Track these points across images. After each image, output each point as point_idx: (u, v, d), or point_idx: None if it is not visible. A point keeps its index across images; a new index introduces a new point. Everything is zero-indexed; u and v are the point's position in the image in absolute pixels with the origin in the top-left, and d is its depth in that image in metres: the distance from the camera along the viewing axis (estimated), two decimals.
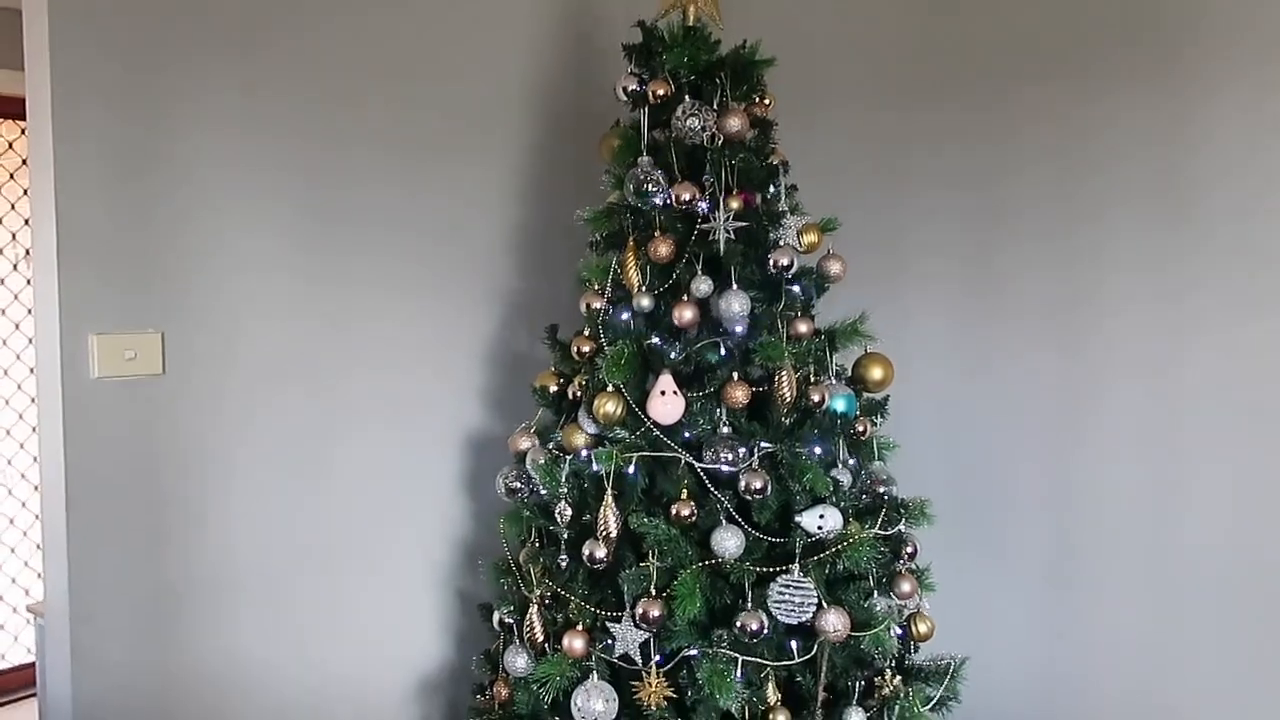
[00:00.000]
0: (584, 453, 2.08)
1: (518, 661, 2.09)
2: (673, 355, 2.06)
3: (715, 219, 2.05)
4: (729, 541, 1.91)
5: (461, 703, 2.64)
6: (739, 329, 2.06)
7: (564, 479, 2.08)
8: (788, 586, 1.88)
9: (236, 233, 2.20)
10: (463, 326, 2.67)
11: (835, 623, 1.88)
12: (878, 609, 2.03)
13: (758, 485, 1.92)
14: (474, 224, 2.67)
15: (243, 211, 2.21)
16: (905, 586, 2.07)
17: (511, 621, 2.16)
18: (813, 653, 1.92)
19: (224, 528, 2.21)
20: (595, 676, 1.94)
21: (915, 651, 2.20)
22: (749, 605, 1.88)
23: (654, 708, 1.90)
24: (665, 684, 1.91)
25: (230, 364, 2.20)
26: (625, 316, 2.11)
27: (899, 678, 2.02)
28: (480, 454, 2.73)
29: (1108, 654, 2.48)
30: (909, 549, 2.13)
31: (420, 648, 2.65)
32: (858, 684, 1.96)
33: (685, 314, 2.03)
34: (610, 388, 2.01)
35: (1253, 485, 2.25)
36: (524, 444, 2.24)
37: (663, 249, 2.05)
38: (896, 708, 1.97)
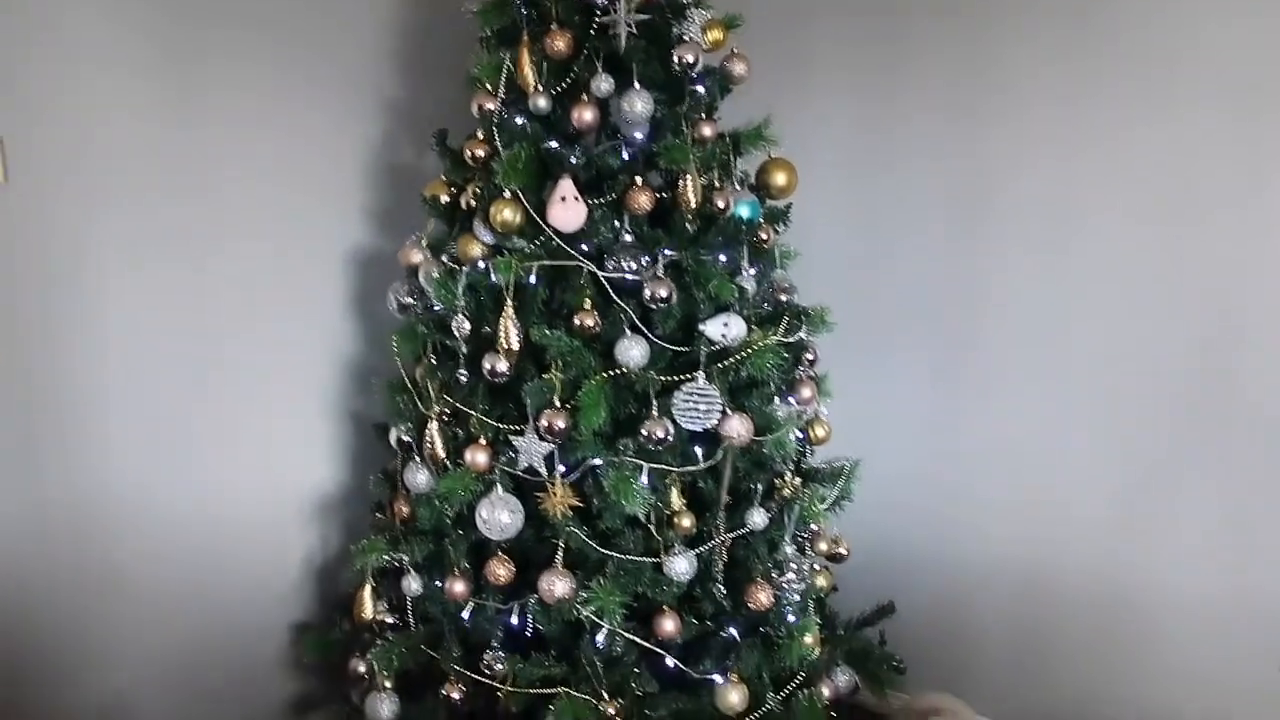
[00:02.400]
0: (481, 264, 1.99)
1: (419, 478, 2.05)
2: (572, 160, 1.95)
3: (616, 11, 1.92)
4: (633, 351, 1.88)
5: (359, 523, 2.61)
6: (641, 132, 1.97)
7: (460, 292, 1.99)
8: (692, 394, 1.87)
9: (84, 30, 1.95)
10: (343, 137, 2.49)
11: (738, 428, 1.89)
12: (779, 414, 2.05)
13: (663, 294, 1.87)
14: (350, 23, 2.45)
15: (91, 5, 1.96)
16: (805, 392, 2.09)
17: (410, 439, 2.11)
18: (716, 458, 1.94)
19: (90, 351, 2.06)
20: (500, 489, 1.92)
21: (812, 455, 2.26)
22: (654, 414, 1.87)
23: (560, 517, 1.89)
24: (571, 493, 1.90)
25: (80, 171, 2.00)
26: (521, 119, 1.99)
27: (798, 480, 2.06)
28: (368, 272, 2.60)
29: (994, 452, 2.60)
30: (809, 356, 2.14)
31: (313, 470, 2.58)
32: (759, 487, 1.99)
33: (585, 115, 1.92)
34: (507, 194, 1.91)
35: (1140, 287, 2.33)
36: (415, 257, 2.13)
37: (560, 44, 1.91)
38: (795, 508, 2.02)
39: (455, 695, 2.00)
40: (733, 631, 2.02)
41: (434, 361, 2.10)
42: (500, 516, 1.91)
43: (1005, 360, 2.54)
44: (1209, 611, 2.37)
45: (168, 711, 2.30)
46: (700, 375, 1.88)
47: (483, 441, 1.94)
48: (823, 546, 2.14)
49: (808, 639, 1.99)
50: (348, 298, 2.58)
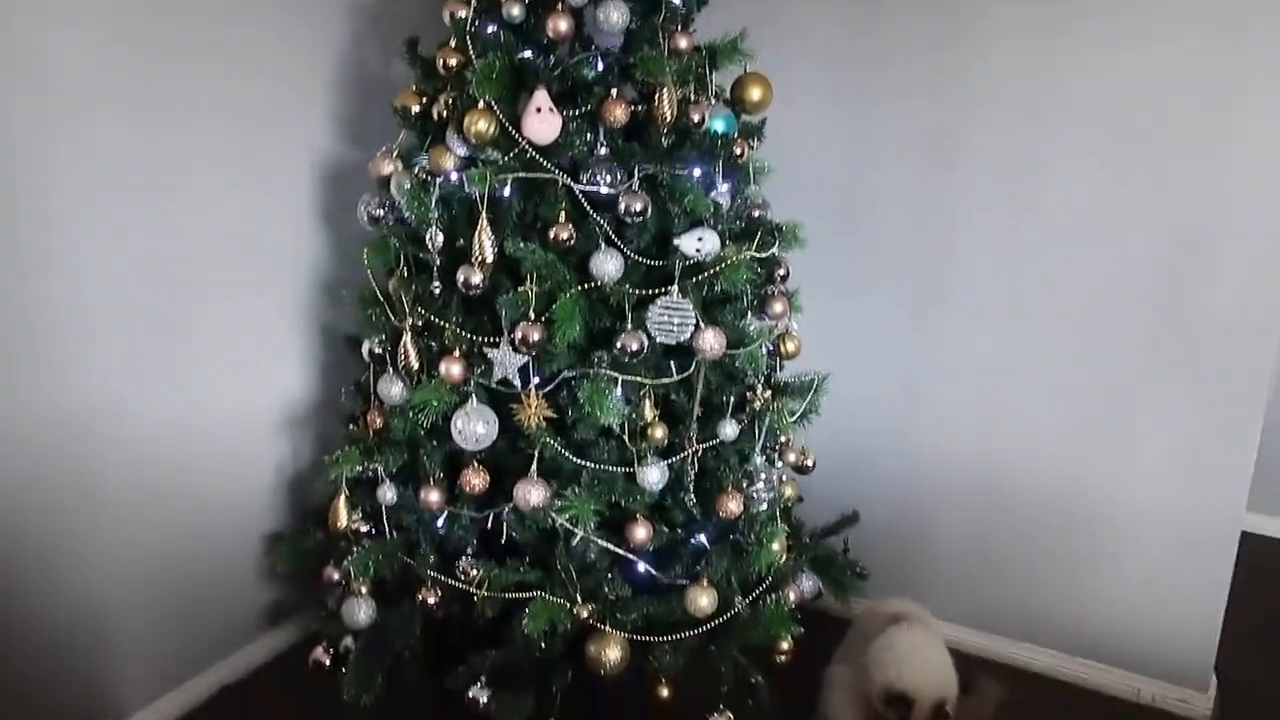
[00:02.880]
0: (454, 175, 1.98)
1: (393, 390, 2.06)
2: (547, 70, 1.93)
3: None
4: (608, 265, 1.89)
5: (330, 435, 2.63)
6: (616, 43, 1.95)
7: (434, 204, 1.98)
8: (667, 308, 1.89)
9: None
10: (312, 46, 2.43)
11: (712, 342, 1.92)
12: (751, 329, 2.08)
13: (638, 207, 1.88)
14: None
15: None
16: (777, 307, 2.12)
17: (383, 351, 2.11)
18: (689, 371, 1.97)
19: (63, 268, 2.02)
20: (474, 401, 1.95)
21: (782, 369, 2.30)
22: (629, 327, 1.89)
23: (535, 428, 1.92)
24: (545, 405, 1.93)
25: (46, 91, 1.94)
26: (494, 28, 1.96)
27: (768, 393, 2.10)
28: (336, 184, 2.57)
29: (960, 372, 2.66)
30: (781, 271, 2.16)
31: (285, 383, 2.58)
32: (730, 399, 2.03)
33: (560, 25, 1.90)
34: (481, 104, 1.89)
35: (1108, 215, 2.37)
36: (387, 169, 2.11)
37: None
38: (765, 420, 2.07)
39: (431, 600, 2.05)
40: (703, 539, 2.08)
41: (406, 274, 2.10)
42: (475, 427, 1.93)
43: (975, 284, 2.59)
44: (1164, 524, 2.48)
45: (144, 619, 2.33)
46: (674, 289, 1.90)
47: (457, 354, 1.95)
48: (791, 458, 2.20)
49: (775, 546, 2.05)
50: (317, 210, 2.55)
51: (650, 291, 1.91)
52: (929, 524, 2.80)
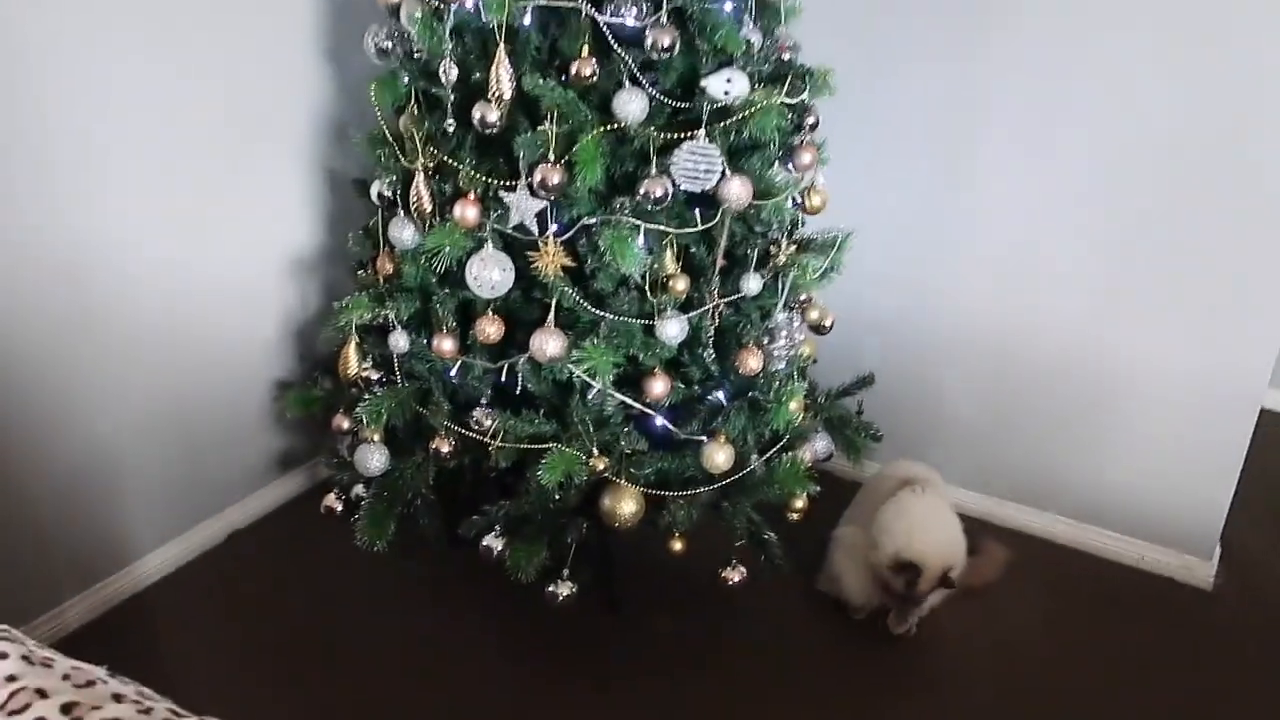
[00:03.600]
0: (470, 2, 1.85)
1: (404, 234, 1.98)
2: None
3: None
4: (632, 105, 1.78)
5: (339, 282, 2.57)
6: None
7: (447, 34, 1.86)
8: (693, 153, 1.80)
9: None
10: None
11: (738, 191, 1.83)
12: (778, 180, 1.99)
13: (666, 42, 1.76)
14: None
15: None
16: (805, 158, 2.02)
17: (393, 194, 2.02)
18: (713, 222, 1.89)
19: (72, 103, 1.91)
20: (490, 246, 1.87)
21: (804, 224, 2.21)
22: (653, 172, 1.80)
23: (552, 276, 1.86)
24: (564, 253, 1.86)
25: None
26: None
27: (792, 248, 2.03)
28: (341, 15, 2.43)
29: (981, 238, 2.58)
30: (811, 120, 2.06)
31: (291, 229, 2.50)
32: (753, 253, 1.96)
33: None
34: None
35: (1133, 79, 2.26)
36: None
37: None
38: (789, 275, 2.00)
39: (444, 449, 2.02)
40: (720, 396, 2.05)
41: (417, 112, 1.99)
42: (490, 274, 1.86)
43: (1003, 147, 2.48)
44: (1182, 394, 2.45)
45: (154, 463, 2.31)
46: (701, 134, 1.80)
47: (472, 197, 1.87)
48: (813, 316, 2.14)
49: (793, 405, 2.02)
50: (320, 45, 2.42)
51: (676, 136, 1.81)
52: (943, 389, 2.77)
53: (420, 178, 1.92)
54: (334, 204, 2.55)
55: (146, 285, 2.17)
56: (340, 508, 2.16)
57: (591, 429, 1.92)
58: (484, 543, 1.98)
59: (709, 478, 2.00)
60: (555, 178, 1.78)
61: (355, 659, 2.19)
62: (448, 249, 1.88)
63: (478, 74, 1.86)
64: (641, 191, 1.79)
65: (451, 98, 1.90)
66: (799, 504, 2.08)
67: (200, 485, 2.45)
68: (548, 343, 1.85)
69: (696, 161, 1.80)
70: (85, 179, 1.99)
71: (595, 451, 1.91)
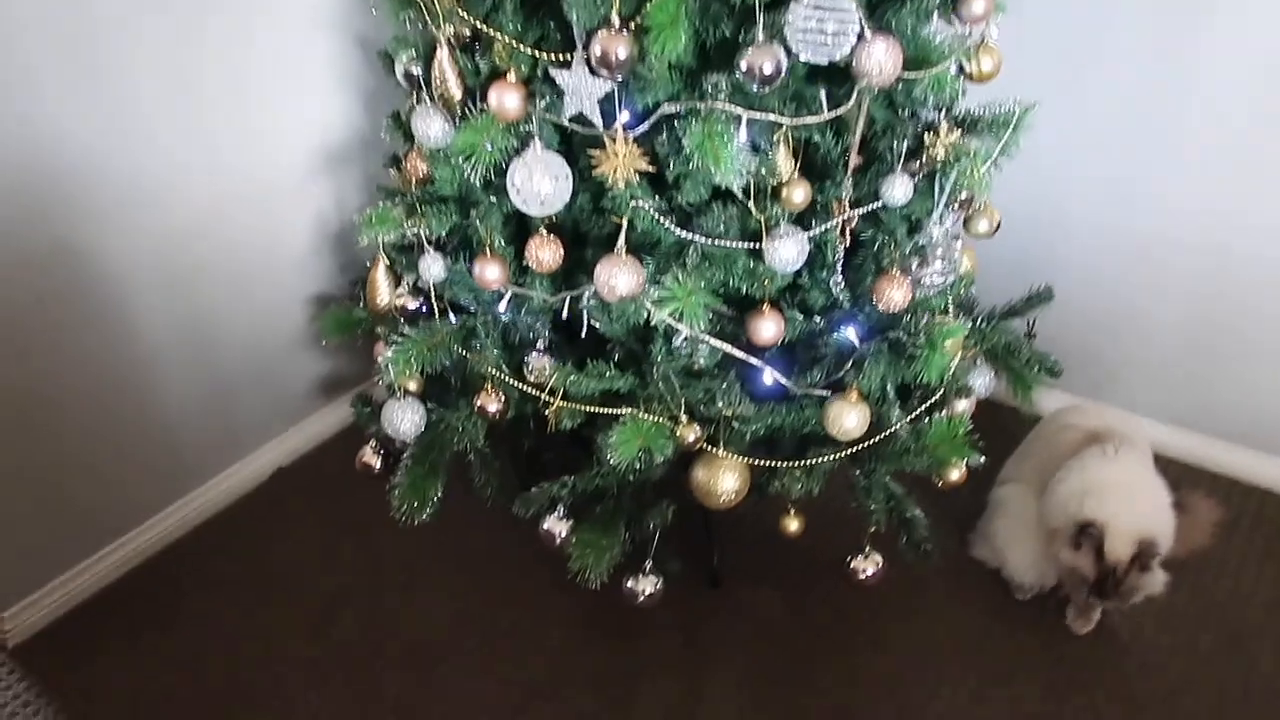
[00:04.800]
0: None
1: (431, 127, 1.50)
2: None
3: None
4: None
5: (378, 177, 2.13)
6: None
7: None
8: (817, 7, 1.25)
9: None
10: None
11: (881, 59, 1.27)
12: (938, 39, 1.42)
13: None
14: None
15: None
16: (977, 5, 1.43)
17: (418, 73, 1.54)
18: (847, 105, 1.35)
19: None
20: (538, 146, 1.38)
21: (964, 96, 1.64)
22: (759, 38, 1.26)
23: (622, 185, 1.36)
24: (637, 153, 1.35)
25: None
26: None
27: (956, 133, 1.47)
28: None
29: (1198, 132, 1.96)
30: None
31: (321, 111, 2.06)
32: (902, 145, 1.42)
33: None
34: None
35: None
36: None
37: None
38: (951, 174, 1.45)
39: (491, 407, 1.59)
40: (851, 336, 1.55)
41: None
42: (539, 184, 1.38)
43: (1234, 27, 1.83)
44: None
45: (188, 397, 2.00)
46: None
47: (512, 78, 1.37)
48: (980, 225, 1.59)
49: (949, 347, 1.50)
50: None
51: None
52: (1136, 309, 2.20)
53: (444, 51, 1.42)
54: (368, 82, 2.08)
55: (169, 183, 1.79)
56: (379, 464, 1.78)
57: (677, 387, 1.46)
58: (545, 525, 1.58)
59: (834, 442, 1.53)
60: (620, 49, 1.26)
61: (409, 618, 1.87)
62: (485, 149, 1.39)
63: None
64: (744, 67, 1.25)
65: None
66: (955, 475, 1.59)
67: (239, 418, 2.13)
68: (617, 276, 1.38)
69: (821, 19, 1.25)
70: (76, 64, 1.59)
71: (683, 417, 1.46)
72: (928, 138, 1.46)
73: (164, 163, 1.80)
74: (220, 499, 2.14)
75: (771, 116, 1.32)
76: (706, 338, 1.43)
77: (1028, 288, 1.92)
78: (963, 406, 1.66)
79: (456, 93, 1.43)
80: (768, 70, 1.25)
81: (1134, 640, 1.86)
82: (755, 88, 1.27)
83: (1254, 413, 2.14)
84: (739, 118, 1.30)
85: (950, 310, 1.56)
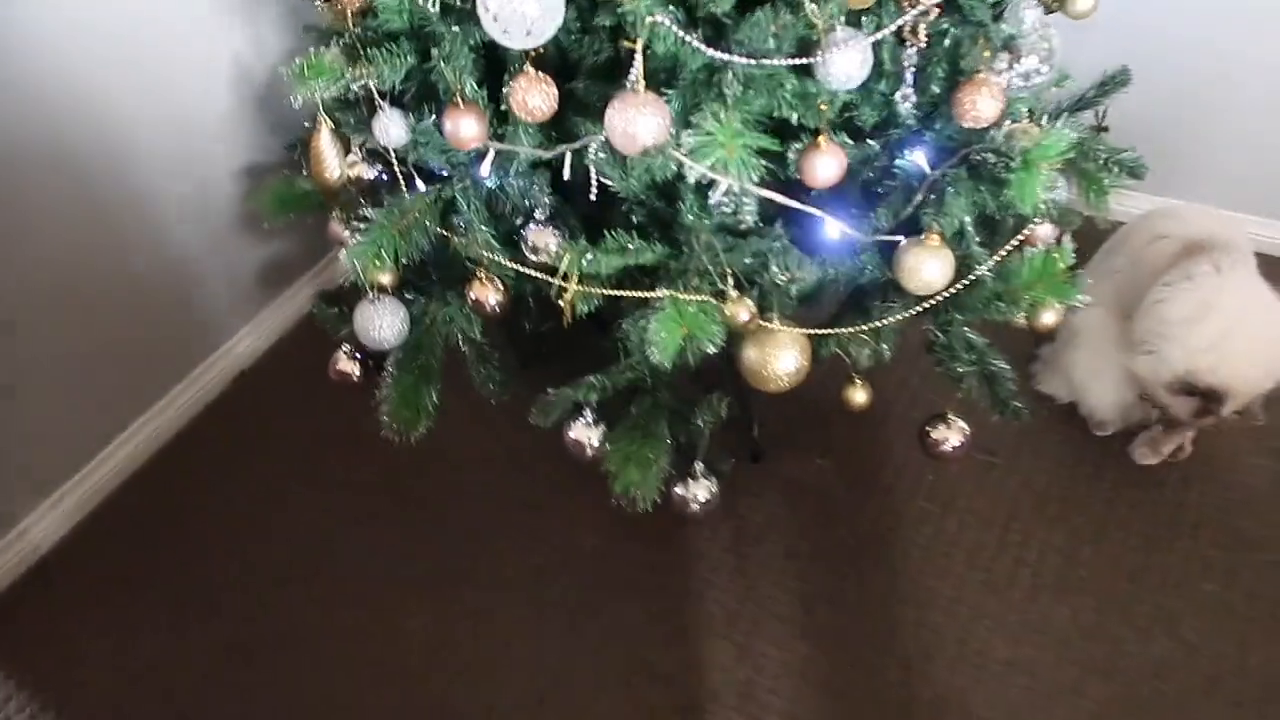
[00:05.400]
0: None
1: None
2: None
3: None
4: None
5: (302, 10, 1.73)
6: None
7: None
8: None
9: None
10: None
11: None
12: None
13: None
14: None
15: None
16: None
17: None
18: None
19: None
20: None
21: None
22: None
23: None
24: None
25: None
26: None
27: None
28: None
29: None
30: None
31: None
32: None
33: None
34: None
35: None
36: None
37: None
38: None
39: (489, 299, 1.29)
40: (918, 158, 1.24)
41: None
42: (522, 2, 1.03)
43: None
44: None
45: (108, 309, 1.67)
46: None
47: None
48: (1082, 3, 1.26)
49: (1045, 169, 1.20)
50: None
51: None
52: (1220, 95, 1.88)
53: None
54: None
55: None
56: (358, 371, 1.48)
57: (720, 253, 1.16)
58: (571, 433, 1.31)
59: (902, 292, 1.26)
60: None
61: (422, 520, 1.66)
62: None
63: None
64: None
65: None
66: (1050, 318, 1.33)
67: (184, 319, 1.81)
68: (636, 121, 1.05)
69: None
70: None
71: (732, 291, 1.16)
72: None
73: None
74: (184, 412, 1.85)
75: None
76: (755, 188, 1.12)
77: (1096, 69, 1.60)
78: (1047, 231, 1.38)
79: None
80: None
81: (1231, 469, 1.66)
82: None
83: None
84: None
85: (1039, 116, 1.25)
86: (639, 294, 1.19)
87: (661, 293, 1.16)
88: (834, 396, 1.37)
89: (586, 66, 1.21)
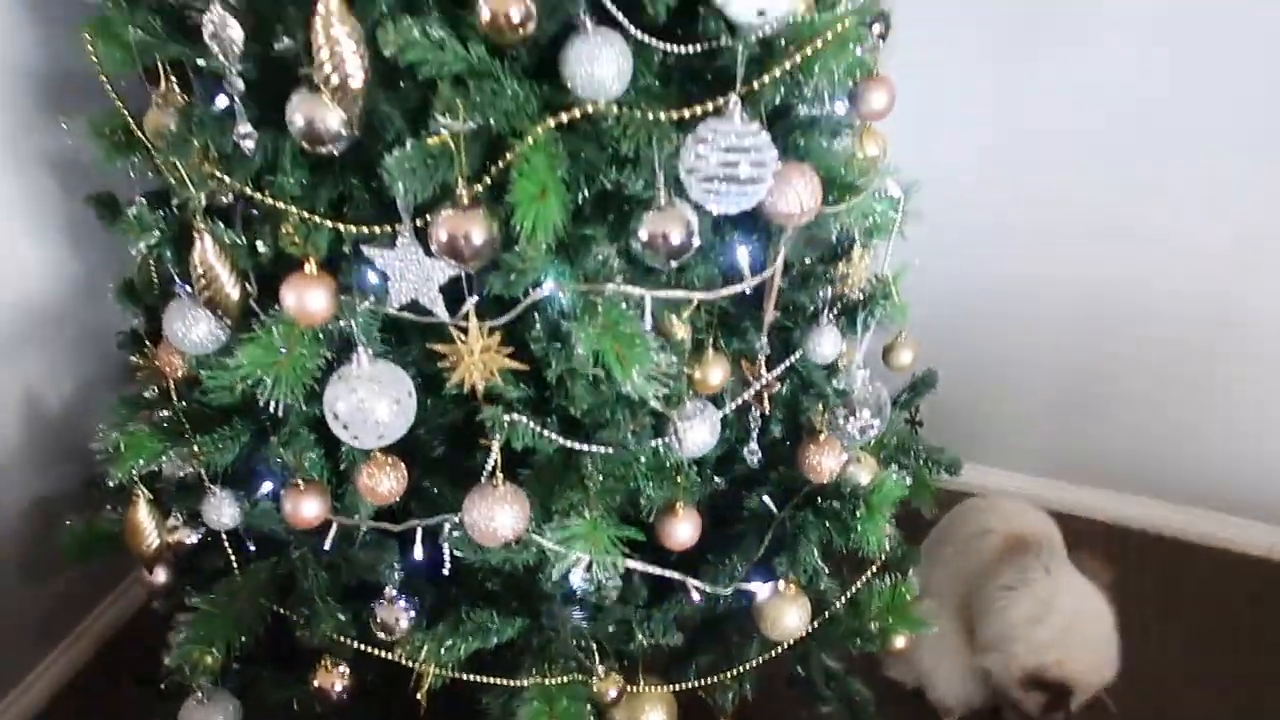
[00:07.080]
0: None
1: (193, 332, 1.07)
2: None
3: None
4: (602, 61, 0.89)
5: (108, 326, 1.63)
6: None
7: None
8: (729, 150, 0.92)
9: None
10: None
11: (803, 196, 0.99)
12: (845, 157, 1.16)
13: None
14: None
15: None
16: (877, 99, 1.17)
17: (170, 262, 1.10)
18: (776, 263, 1.05)
19: None
20: (364, 358, 0.99)
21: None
22: (662, 199, 0.94)
23: (482, 389, 1.00)
24: (499, 349, 0.99)
25: None
26: None
27: (866, 259, 1.21)
28: None
29: (1066, 154, 1.83)
30: (878, 28, 1.21)
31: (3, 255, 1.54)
32: (826, 291, 1.15)
33: None
34: None
35: None
36: None
37: None
38: (876, 310, 1.19)
39: (337, 686, 1.19)
40: (762, 503, 1.27)
41: (183, 94, 1.05)
42: (373, 410, 0.99)
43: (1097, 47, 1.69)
44: None
45: None
46: (734, 103, 0.93)
47: (311, 267, 0.97)
48: (905, 357, 1.35)
49: (888, 510, 1.25)
50: None
51: (688, 115, 0.93)
52: (1010, 357, 2.06)
53: (205, 242, 0.99)
54: (73, 209, 1.57)
55: None
56: None
57: (585, 630, 1.12)
58: None
59: (769, 644, 1.26)
60: (476, 234, 0.90)
61: None
62: (287, 372, 0.99)
63: (286, 32, 0.93)
64: (644, 237, 0.93)
65: (236, 69, 0.95)
66: (900, 643, 1.36)
67: None
68: (495, 515, 1.02)
69: (735, 159, 0.93)
70: None
71: (599, 668, 1.12)
72: (840, 269, 1.19)
73: None
74: None
75: (681, 294, 1.00)
76: (621, 565, 1.10)
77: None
78: (911, 570, 1.43)
79: (234, 293, 1.01)
80: (676, 240, 0.94)
81: None
82: (662, 262, 0.95)
83: (1134, 456, 2.07)
84: (642, 301, 0.97)
85: (890, 462, 1.32)
86: (503, 681, 1.12)
87: (526, 681, 1.10)
88: None
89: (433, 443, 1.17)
